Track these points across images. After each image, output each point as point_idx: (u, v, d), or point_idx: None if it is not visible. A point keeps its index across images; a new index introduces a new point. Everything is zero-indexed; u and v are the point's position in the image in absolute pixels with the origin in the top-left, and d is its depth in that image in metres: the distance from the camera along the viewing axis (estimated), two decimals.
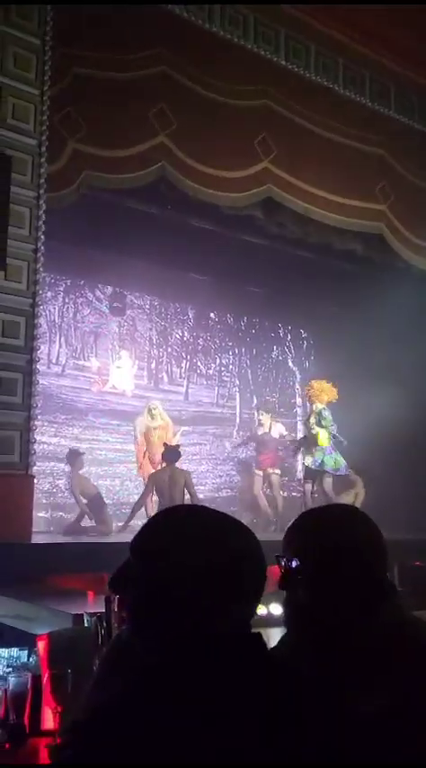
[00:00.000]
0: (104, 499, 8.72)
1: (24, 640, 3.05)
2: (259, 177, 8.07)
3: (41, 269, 6.33)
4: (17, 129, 6.26)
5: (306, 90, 8.32)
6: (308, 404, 9.23)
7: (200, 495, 10.40)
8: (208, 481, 10.78)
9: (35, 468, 6.25)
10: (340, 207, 8.65)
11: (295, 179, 8.29)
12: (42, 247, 6.32)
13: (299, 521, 1.56)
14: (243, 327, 11.91)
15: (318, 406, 8.73)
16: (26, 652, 3.20)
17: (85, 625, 2.84)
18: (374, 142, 8.85)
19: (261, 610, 5.26)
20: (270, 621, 5.32)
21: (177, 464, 8.23)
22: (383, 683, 1.30)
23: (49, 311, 9.69)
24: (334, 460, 8.54)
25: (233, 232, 8.90)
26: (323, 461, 8.51)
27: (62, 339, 10.10)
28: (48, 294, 9.32)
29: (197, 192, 7.62)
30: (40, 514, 8.38)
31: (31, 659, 3.12)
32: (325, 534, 1.49)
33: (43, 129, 6.39)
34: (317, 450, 8.57)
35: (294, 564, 1.48)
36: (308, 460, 8.71)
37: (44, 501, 8.93)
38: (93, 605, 4.09)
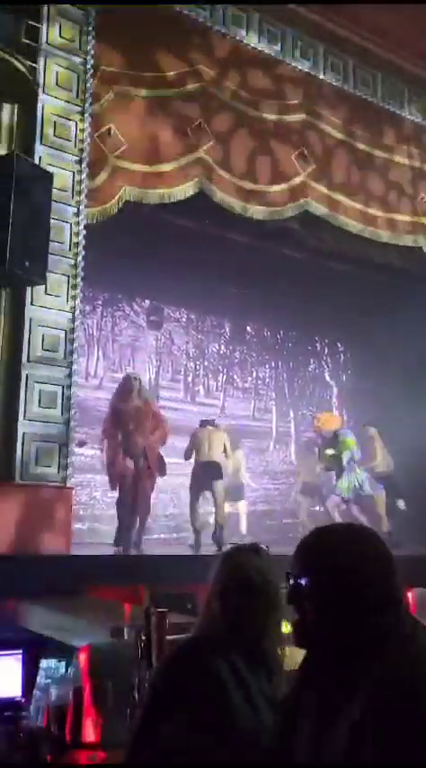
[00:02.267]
0: None
1: (63, 652, 3.06)
2: (296, 191, 8.08)
3: (81, 283, 6.41)
4: (58, 146, 6.37)
5: (345, 104, 8.33)
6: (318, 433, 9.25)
7: (235, 510, 10.39)
8: (245, 495, 10.72)
9: (73, 480, 6.30)
10: (378, 220, 8.61)
11: (333, 192, 8.28)
12: (82, 262, 6.39)
13: (307, 538, 1.58)
14: (279, 341, 11.88)
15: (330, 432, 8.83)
16: (64, 663, 3.22)
17: (125, 638, 2.84)
18: (415, 156, 8.81)
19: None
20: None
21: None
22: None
23: (88, 325, 9.79)
24: (347, 483, 8.47)
25: (270, 245, 8.90)
26: (336, 485, 8.56)
27: (100, 352, 10.18)
28: (87, 308, 9.42)
29: (234, 205, 7.65)
30: (77, 526, 8.42)
31: (69, 671, 3.13)
32: (330, 552, 1.52)
33: (84, 146, 6.49)
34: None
35: (302, 581, 1.49)
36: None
37: (82, 512, 8.98)
38: (131, 618, 4.09)
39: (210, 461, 8.10)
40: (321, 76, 8.16)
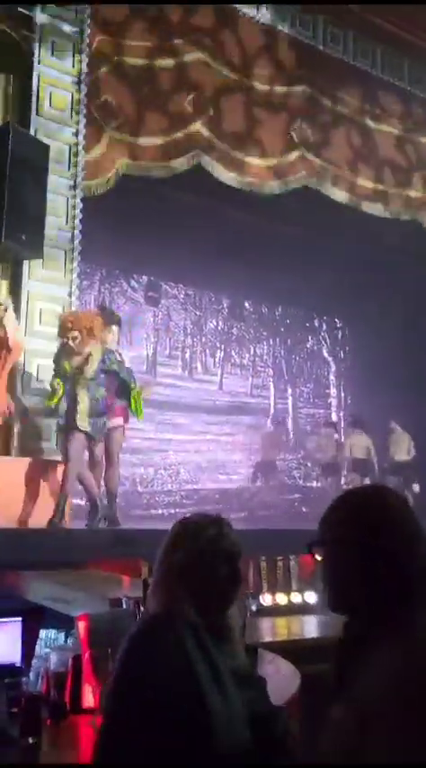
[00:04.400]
0: (138, 488, 8.77)
1: (62, 622, 3.08)
2: (295, 165, 8.02)
3: (78, 257, 6.37)
4: (54, 118, 6.30)
5: (344, 76, 8.23)
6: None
7: (233, 486, 10.45)
8: (242, 471, 10.77)
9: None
10: (379, 195, 8.56)
11: (332, 167, 8.22)
12: (79, 236, 6.35)
13: (336, 501, 1.56)
14: (277, 317, 11.86)
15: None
16: (63, 634, 3.24)
17: (123, 607, 2.85)
18: (414, 130, 8.74)
19: (296, 597, 5.28)
20: (305, 609, 5.30)
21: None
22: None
23: (85, 301, 9.74)
24: None
25: (268, 220, 8.85)
26: None
27: None
28: (85, 284, 9.37)
29: (232, 179, 7.60)
30: (76, 501, 8.44)
31: (68, 641, 3.15)
32: (362, 511, 1.50)
33: (80, 118, 6.42)
34: None
35: (339, 541, 1.48)
36: None
37: (79, 487, 8.99)
38: (129, 589, 4.11)
39: None
40: (320, 47, 8.05)
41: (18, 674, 2.34)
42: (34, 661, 2.66)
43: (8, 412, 5.68)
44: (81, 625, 2.54)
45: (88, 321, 5.58)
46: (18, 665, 2.39)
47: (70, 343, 5.47)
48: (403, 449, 9.57)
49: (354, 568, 1.44)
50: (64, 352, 5.54)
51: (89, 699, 2.36)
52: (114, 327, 6.27)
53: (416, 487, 9.10)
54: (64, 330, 5.53)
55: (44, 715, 2.20)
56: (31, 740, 2.10)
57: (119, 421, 6.19)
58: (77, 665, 2.37)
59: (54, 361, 5.63)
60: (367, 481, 9.13)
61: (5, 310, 5.55)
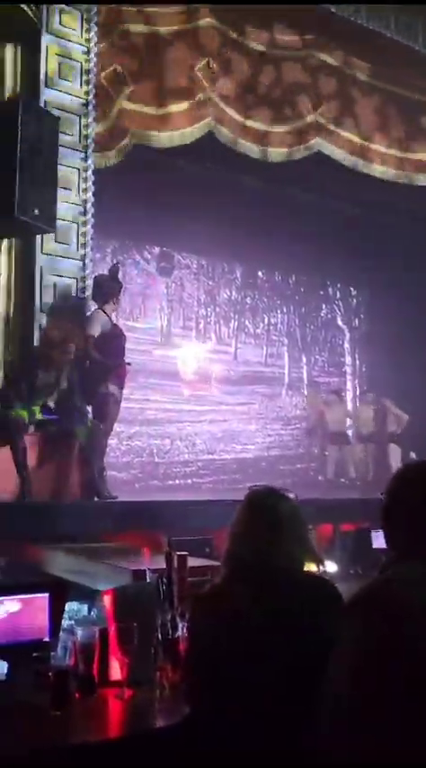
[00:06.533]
0: (155, 459, 8.82)
1: (84, 595, 3.12)
2: (307, 130, 7.90)
3: (91, 230, 6.34)
4: (63, 89, 6.22)
5: (357, 37, 8.04)
6: None
7: (250, 455, 10.50)
8: (258, 440, 10.80)
9: None
10: (393, 160, 8.43)
11: (345, 132, 8.09)
12: (92, 209, 6.31)
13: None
14: (291, 286, 11.77)
15: None
16: (86, 606, 3.28)
17: (147, 580, 2.89)
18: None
19: (314, 567, 5.33)
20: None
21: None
22: None
23: (98, 273, 9.70)
24: None
25: (280, 188, 8.75)
26: None
27: None
28: (97, 256, 9.32)
29: (244, 147, 7.51)
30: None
31: (92, 613, 3.19)
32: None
33: (90, 88, 6.33)
34: None
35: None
36: None
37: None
38: (151, 562, 4.16)
39: None
40: (332, 9, 7.86)
41: (46, 648, 2.38)
42: (60, 634, 2.70)
43: None
44: (106, 599, 2.57)
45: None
46: (46, 639, 2.44)
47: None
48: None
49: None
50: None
51: (116, 671, 2.40)
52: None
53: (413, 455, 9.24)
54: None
55: (73, 688, 2.24)
56: (60, 713, 2.15)
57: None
58: (104, 639, 2.41)
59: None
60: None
61: None
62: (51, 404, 5.63)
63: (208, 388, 10.46)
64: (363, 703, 1.36)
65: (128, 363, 6.34)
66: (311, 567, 2.15)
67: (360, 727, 1.34)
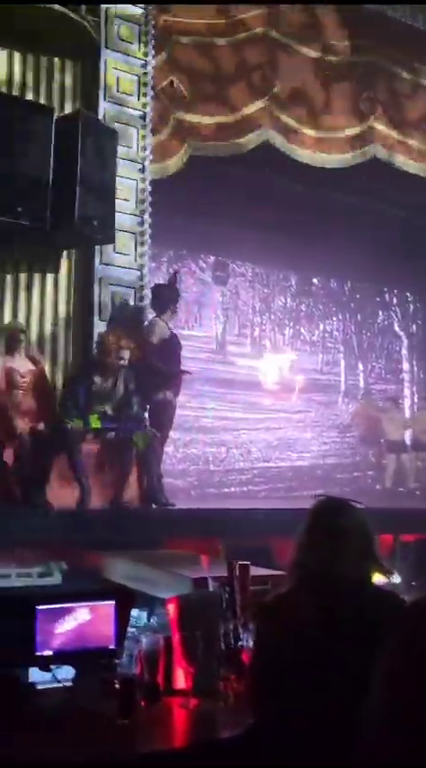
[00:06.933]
0: (211, 466, 8.84)
1: (143, 601, 3.14)
2: (364, 137, 7.83)
3: (149, 240, 6.41)
4: (122, 102, 6.32)
5: (416, 47, 7.96)
6: None
7: (305, 463, 10.43)
8: (314, 448, 10.72)
9: None
10: None
11: (403, 137, 7.99)
12: (149, 219, 6.38)
13: None
14: (347, 293, 11.67)
15: None
16: (146, 613, 3.30)
17: (210, 589, 2.89)
18: None
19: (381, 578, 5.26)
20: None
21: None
22: None
23: (153, 282, 9.79)
24: None
25: (336, 195, 8.70)
26: None
27: None
28: (152, 265, 9.41)
29: (299, 154, 7.49)
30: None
31: (152, 620, 3.21)
32: None
33: (147, 101, 6.42)
34: None
35: None
36: None
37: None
38: (209, 570, 4.16)
39: None
40: (389, 13, 7.80)
41: (112, 655, 2.41)
42: (124, 642, 2.73)
43: None
44: (170, 607, 2.59)
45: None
46: (111, 646, 2.46)
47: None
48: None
49: None
50: None
51: (181, 681, 2.41)
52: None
53: None
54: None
55: (139, 697, 2.26)
56: (126, 721, 2.17)
57: None
58: (168, 648, 2.42)
59: None
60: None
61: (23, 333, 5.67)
62: (109, 410, 5.70)
63: (289, 397, 10.46)
64: (403, 708, 1.35)
65: (189, 372, 6.38)
66: (379, 577, 2.13)
67: (400, 731, 1.34)
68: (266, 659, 1.95)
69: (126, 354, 5.72)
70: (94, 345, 5.95)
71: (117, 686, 2.22)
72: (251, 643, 2.58)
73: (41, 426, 5.42)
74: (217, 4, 6.87)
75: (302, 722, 1.79)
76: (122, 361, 5.71)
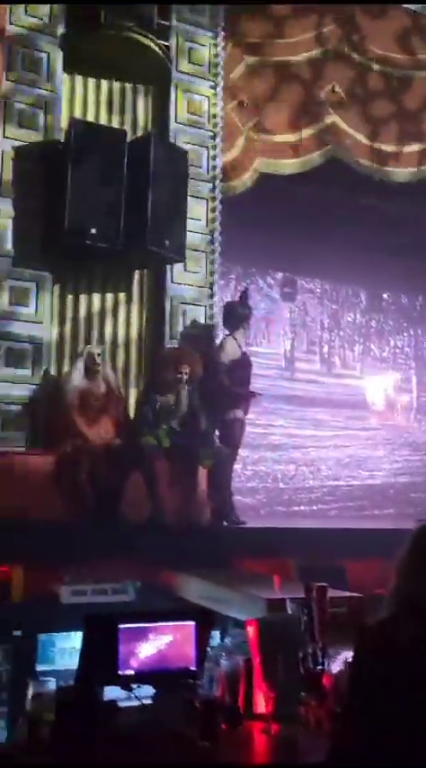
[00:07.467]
0: (280, 484, 8.77)
1: (218, 622, 3.12)
2: None
3: (219, 258, 6.45)
4: (192, 123, 6.41)
5: None
6: None
7: (377, 482, 10.23)
8: (385, 466, 10.51)
9: None
10: None
11: None
12: (219, 237, 6.42)
13: None
14: (418, 307, 11.46)
15: None
16: (219, 633, 3.27)
17: (288, 611, 2.85)
18: None
19: None
20: None
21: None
22: None
23: (222, 299, 9.83)
24: None
25: (405, 209, 8.56)
26: None
27: None
28: (221, 282, 9.45)
29: (369, 169, 7.43)
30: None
31: (226, 641, 3.18)
32: None
33: (217, 121, 6.49)
34: None
35: None
36: None
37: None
38: (281, 590, 4.12)
39: None
40: None
41: (193, 677, 2.39)
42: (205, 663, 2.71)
43: None
44: (250, 629, 2.56)
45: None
46: (192, 668, 2.45)
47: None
48: None
49: None
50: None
51: (261, 705, 2.38)
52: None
53: None
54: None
55: (220, 720, 2.24)
56: (207, 744, 2.15)
57: None
58: (249, 670, 2.40)
59: None
60: None
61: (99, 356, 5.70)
62: (175, 426, 5.73)
63: (394, 417, 10.45)
64: None
65: (260, 394, 6.37)
66: None
67: None
68: (365, 683, 1.91)
69: (185, 370, 5.75)
70: (153, 362, 6.01)
71: (198, 707, 2.20)
72: (331, 667, 2.53)
73: (117, 442, 5.49)
74: (217, 5, 6.84)
75: (397, 744, 1.76)
76: (181, 377, 5.74)
